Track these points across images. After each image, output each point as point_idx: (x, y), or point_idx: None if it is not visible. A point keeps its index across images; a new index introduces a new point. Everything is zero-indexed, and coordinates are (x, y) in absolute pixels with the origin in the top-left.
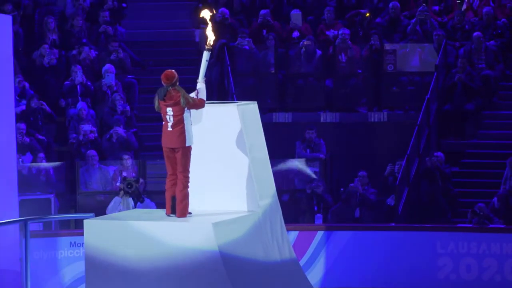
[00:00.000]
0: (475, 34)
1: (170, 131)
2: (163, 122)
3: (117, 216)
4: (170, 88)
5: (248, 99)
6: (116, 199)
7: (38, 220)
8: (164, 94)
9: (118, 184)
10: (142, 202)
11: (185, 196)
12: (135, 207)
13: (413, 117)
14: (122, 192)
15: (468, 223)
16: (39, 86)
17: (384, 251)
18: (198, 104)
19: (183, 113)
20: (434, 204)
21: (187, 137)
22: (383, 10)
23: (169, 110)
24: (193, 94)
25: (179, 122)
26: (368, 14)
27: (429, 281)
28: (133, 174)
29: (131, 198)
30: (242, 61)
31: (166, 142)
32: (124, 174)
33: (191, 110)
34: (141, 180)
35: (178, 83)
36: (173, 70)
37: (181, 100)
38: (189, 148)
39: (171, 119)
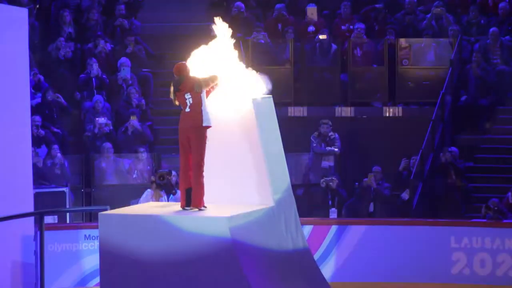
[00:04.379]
0: (490, 29)
1: (187, 112)
2: (183, 109)
3: (131, 209)
4: (184, 77)
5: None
6: (148, 191)
7: (53, 213)
8: (178, 84)
9: (134, 176)
10: (174, 194)
11: (201, 185)
12: (167, 200)
13: (427, 112)
14: (154, 184)
15: (482, 218)
16: (55, 79)
17: (398, 246)
18: (211, 83)
19: (200, 95)
20: (448, 199)
21: (204, 117)
22: (399, 5)
23: (187, 95)
24: None
25: (197, 104)
26: None
27: (443, 276)
28: (148, 167)
29: (163, 191)
30: (257, 55)
31: (183, 124)
32: (140, 167)
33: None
34: (173, 173)
35: (190, 73)
36: (184, 62)
37: (195, 85)
38: (205, 131)
39: (190, 101)
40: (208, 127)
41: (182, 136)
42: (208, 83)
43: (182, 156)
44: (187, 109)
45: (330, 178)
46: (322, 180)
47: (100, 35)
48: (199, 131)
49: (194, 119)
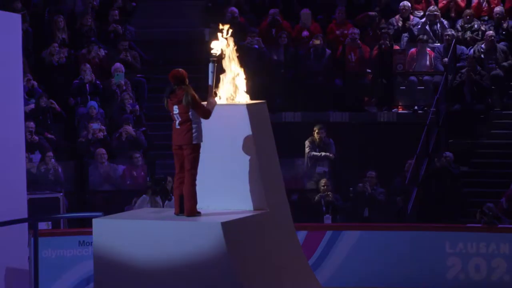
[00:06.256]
0: (485, 34)
1: (178, 128)
2: (173, 120)
3: (125, 215)
4: (176, 86)
5: (257, 98)
6: (144, 197)
7: (47, 219)
8: (170, 92)
9: (128, 182)
10: (170, 200)
11: (193, 194)
12: (162, 206)
13: (422, 116)
14: (150, 190)
15: (477, 223)
16: (48, 84)
17: (392, 251)
18: (202, 110)
19: (188, 111)
20: (443, 204)
21: (194, 135)
22: (394, 10)
23: (175, 108)
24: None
25: (186, 120)
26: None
27: (438, 281)
28: (142, 173)
29: (159, 197)
30: (251, 60)
31: (174, 139)
32: (134, 173)
33: None
34: (168, 179)
35: (187, 82)
36: (181, 69)
37: (184, 98)
38: (197, 146)
39: (178, 117)
40: (199, 144)
41: (175, 147)
42: (197, 105)
43: (177, 163)
44: (177, 126)
45: (325, 193)
46: (318, 195)
47: (94, 41)
48: (190, 148)
49: (184, 137)
